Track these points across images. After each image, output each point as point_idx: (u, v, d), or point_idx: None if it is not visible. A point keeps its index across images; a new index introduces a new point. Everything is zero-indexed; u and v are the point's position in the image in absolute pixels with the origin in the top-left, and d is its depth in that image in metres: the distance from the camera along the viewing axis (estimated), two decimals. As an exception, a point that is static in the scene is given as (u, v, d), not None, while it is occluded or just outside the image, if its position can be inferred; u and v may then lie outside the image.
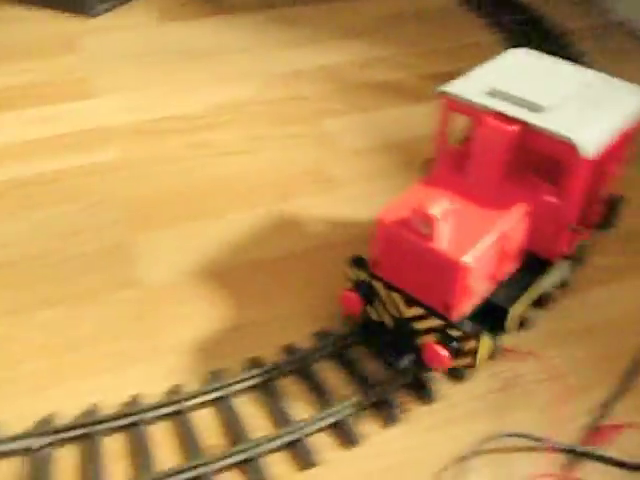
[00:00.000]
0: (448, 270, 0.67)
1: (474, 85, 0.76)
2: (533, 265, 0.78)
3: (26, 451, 0.68)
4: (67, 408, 0.73)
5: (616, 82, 0.78)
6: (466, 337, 0.70)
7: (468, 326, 0.70)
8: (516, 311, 0.75)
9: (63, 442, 0.70)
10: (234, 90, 1.28)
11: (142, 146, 1.13)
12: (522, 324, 0.80)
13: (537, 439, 0.69)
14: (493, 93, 0.74)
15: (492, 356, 0.75)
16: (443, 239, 0.68)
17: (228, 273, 0.90)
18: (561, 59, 0.81)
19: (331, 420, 0.71)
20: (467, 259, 0.67)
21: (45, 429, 0.69)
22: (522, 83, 0.75)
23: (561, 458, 0.69)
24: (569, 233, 0.76)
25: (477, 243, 0.68)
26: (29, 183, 1.05)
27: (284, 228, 0.98)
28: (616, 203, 0.80)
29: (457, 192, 0.74)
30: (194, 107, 1.22)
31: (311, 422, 0.70)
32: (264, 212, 1.00)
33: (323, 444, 0.70)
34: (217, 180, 1.06)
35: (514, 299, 0.75)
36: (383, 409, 0.72)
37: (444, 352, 0.70)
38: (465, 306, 0.71)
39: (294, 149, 1.13)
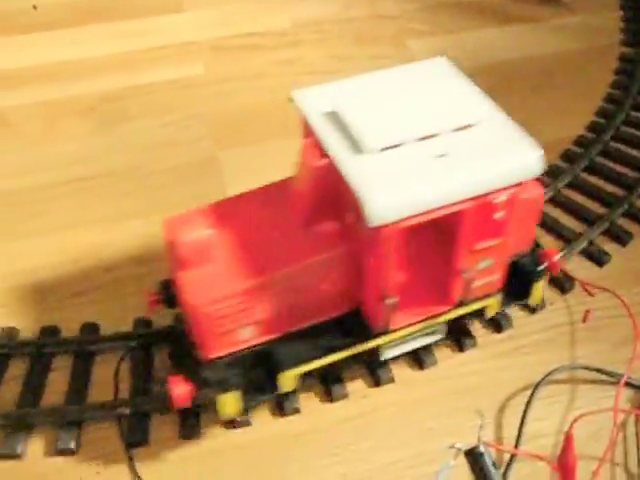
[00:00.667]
0: (188, 308, 0.59)
1: (331, 97, 0.62)
2: (362, 328, 0.65)
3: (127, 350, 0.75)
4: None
5: (513, 131, 0.59)
6: (207, 383, 0.61)
7: (211, 372, 0.61)
8: (295, 373, 0.64)
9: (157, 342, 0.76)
10: (319, 7, 1.27)
11: (229, 62, 1.15)
12: (599, 261, 0.81)
13: (608, 373, 0.72)
14: (332, 114, 0.60)
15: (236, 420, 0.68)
16: (192, 271, 0.59)
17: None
18: (474, 85, 0.64)
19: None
20: (202, 303, 0.58)
21: (146, 331, 0.76)
22: (379, 110, 0.59)
23: (630, 394, 0.71)
24: (385, 306, 0.62)
25: (233, 286, 0.58)
26: (117, 97, 1.09)
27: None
28: (529, 276, 0.70)
29: (259, 220, 0.63)
30: (280, 23, 1.23)
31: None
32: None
33: (398, 364, 0.74)
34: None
35: (301, 361, 0.64)
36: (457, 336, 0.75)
37: (181, 389, 0.61)
38: (218, 349, 0.61)
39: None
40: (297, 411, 0.70)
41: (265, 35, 1.20)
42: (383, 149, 0.57)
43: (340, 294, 0.64)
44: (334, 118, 0.60)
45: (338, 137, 0.59)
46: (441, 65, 0.67)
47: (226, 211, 0.64)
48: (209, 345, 0.61)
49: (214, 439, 0.68)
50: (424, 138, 0.58)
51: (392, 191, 0.54)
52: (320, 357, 0.64)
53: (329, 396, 0.71)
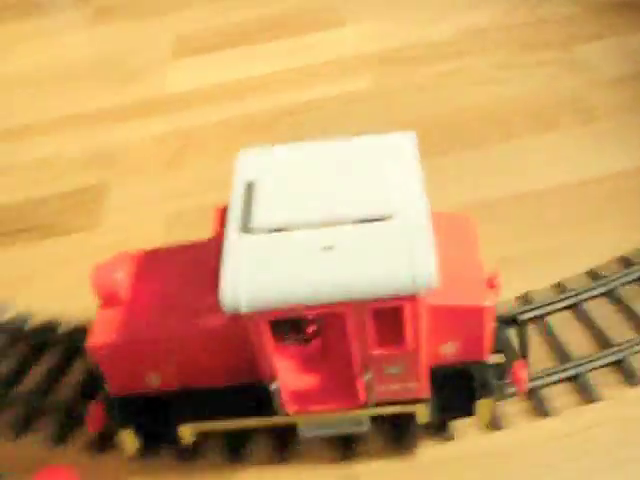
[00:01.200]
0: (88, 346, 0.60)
1: (265, 163, 0.60)
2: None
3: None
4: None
5: (420, 238, 0.52)
6: (109, 416, 0.63)
7: (117, 406, 0.62)
8: (193, 429, 0.64)
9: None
10: (481, 14, 1.26)
11: (393, 75, 1.16)
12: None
13: None
14: (250, 184, 0.58)
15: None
16: (103, 312, 0.60)
17: (493, 205, 0.91)
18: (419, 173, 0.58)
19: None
20: (95, 343, 0.58)
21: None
22: (294, 186, 0.57)
23: None
24: (271, 389, 0.59)
25: (131, 335, 0.58)
26: (290, 113, 1.12)
27: (545, 158, 0.97)
28: (472, 392, 0.61)
29: (181, 276, 0.62)
30: (440, 34, 1.23)
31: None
32: (522, 143, 1.00)
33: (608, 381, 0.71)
34: (470, 110, 1.07)
35: (199, 418, 0.63)
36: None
37: (94, 414, 0.63)
38: (120, 389, 0.62)
39: (546, 78, 1.11)
40: (500, 427, 0.68)
41: (427, 46, 1.20)
42: (270, 231, 0.54)
43: (247, 363, 0.59)
44: (249, 188, 0.58)
45: (241, 209, 0.57)
46: (403, 143, 0.62)
47: (156, 260, 0.64)
48: (111, 383, 0.61)
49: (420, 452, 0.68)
50: (320, 225, 0.54)
51: (253, 281, 0.51)
52: (219, 420, 0.63)
53: (540, 412, 0.69)
